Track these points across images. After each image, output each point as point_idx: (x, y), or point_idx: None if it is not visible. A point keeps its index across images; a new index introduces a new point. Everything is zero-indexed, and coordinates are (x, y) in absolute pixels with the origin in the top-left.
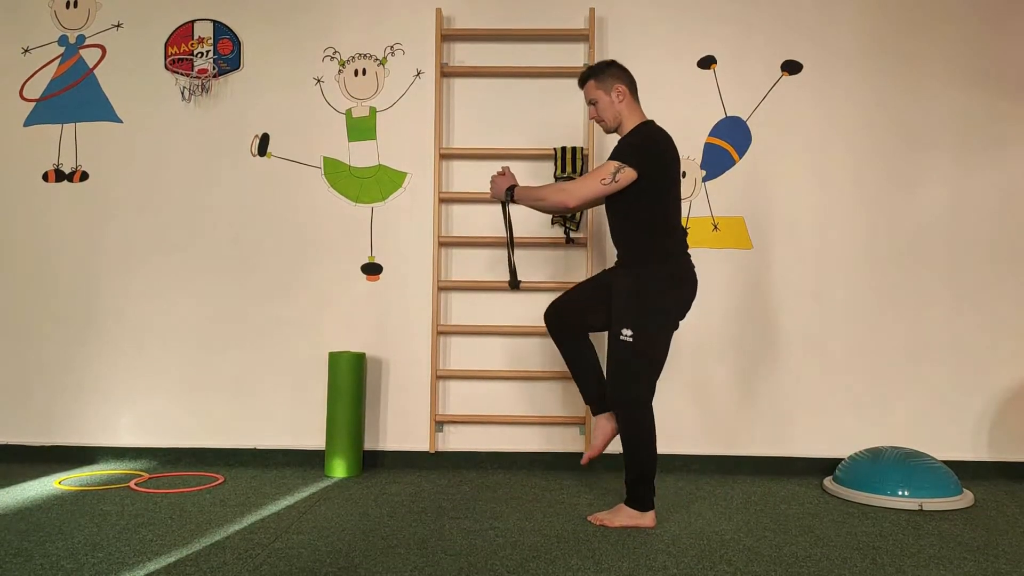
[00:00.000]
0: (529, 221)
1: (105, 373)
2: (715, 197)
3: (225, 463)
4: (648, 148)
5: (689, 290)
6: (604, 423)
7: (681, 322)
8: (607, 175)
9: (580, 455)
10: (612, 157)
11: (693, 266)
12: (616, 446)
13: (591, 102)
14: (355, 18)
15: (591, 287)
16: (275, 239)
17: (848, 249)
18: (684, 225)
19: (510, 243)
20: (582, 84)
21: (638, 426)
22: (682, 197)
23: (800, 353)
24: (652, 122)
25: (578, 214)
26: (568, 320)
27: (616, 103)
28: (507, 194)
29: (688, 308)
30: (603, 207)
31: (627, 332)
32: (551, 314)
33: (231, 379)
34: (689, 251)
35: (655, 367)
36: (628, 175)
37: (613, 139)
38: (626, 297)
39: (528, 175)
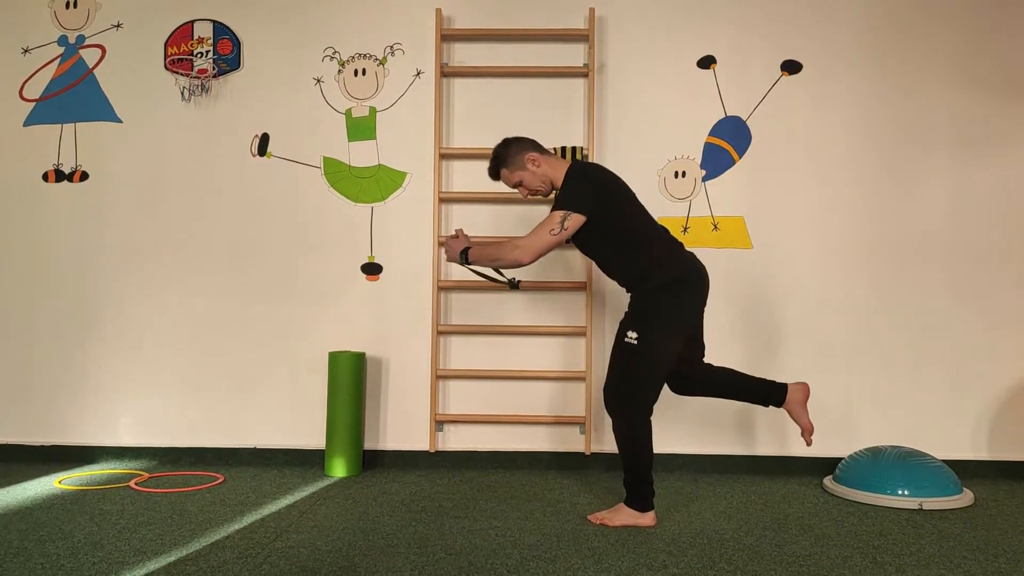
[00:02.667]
0: (530, 215)
1: (105, 373)
2: (715, 197)
3: (225, 463)
4: (584, 188)
5: (691, 288)
6: (793, 402)
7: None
8: (555, 225)
9: (580, 454)
10: (554, 208)
11: (689, 257)
12: (611, 444)
13: (516, 186)
14: (355, 18)
15: None
16: (275, 239)
17: (848, 249)
18: (684, 224)
19: (489, 277)
20: (495, 178)
21: (632, 430)
22: (682, 197)
23: (800, 353)
24: (577, 162)
25: None
26: (678, 385)
27: (536, 171)
28: (462, 256)
29: (697, 304)
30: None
31: (632, 334)
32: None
33: (231, 379)
34: (680, 243)
35: (656, 374)
36: (576, 220)
37: (616, 135)
38: (632, 308)
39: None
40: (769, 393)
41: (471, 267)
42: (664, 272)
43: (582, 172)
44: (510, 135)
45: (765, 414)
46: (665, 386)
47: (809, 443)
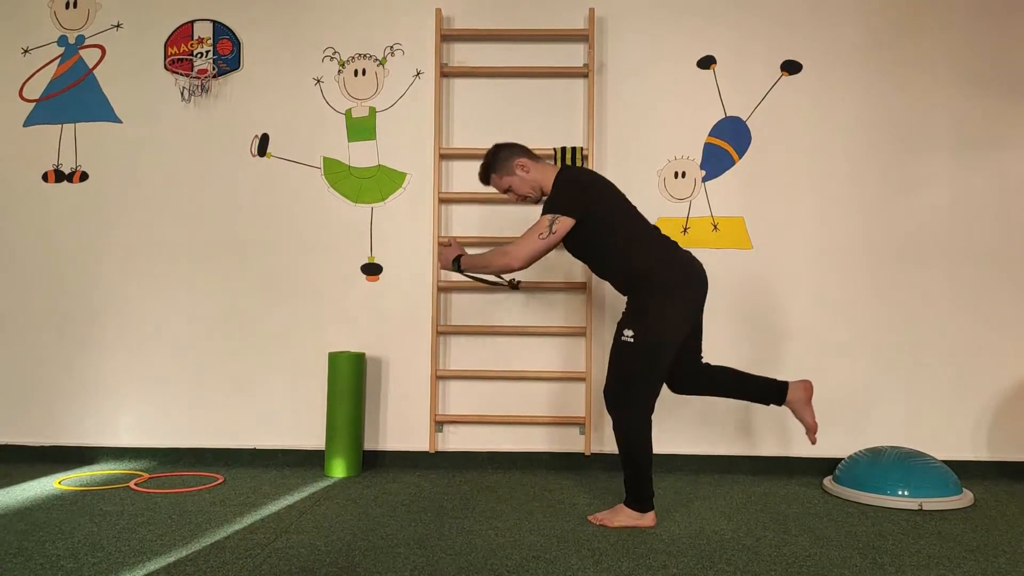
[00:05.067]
0: (529, 217)
1: (105, 373)
2: (715, 197)
3: (225, 463)
4: (572, 192)
5: (689, 287)
6: (795, 400)
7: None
8: (543, 229)
9: (580, 455)
10: (544, 212)
11: (686, 256)
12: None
13: (506, 191)
14: (355, 18)
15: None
16: (275, 239)
17: (848, 249)
18: (684, 225)
19: (488, 281)
20: (486, 183)
21: (630, 429)
22: (681, 197)
23: (799, 353)
24: (566, 167)
25: None
26: (676, 384)
27: (525, 176)
28: (454, 264)
29: (695, 303)
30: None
31: (628, 333)
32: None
33: (231, 379)
34: (675, 242)
35: (654, 373)
36: (564, 224)
37: (616, 135)
38: (630, 307)
39: None
40: (769, 391)
41: (465, 274)
42: (660, 272)
43: (570, 175)
44: (505, 139)
45: (765, 414)
46: (665, 387)
47: (813, 442)
